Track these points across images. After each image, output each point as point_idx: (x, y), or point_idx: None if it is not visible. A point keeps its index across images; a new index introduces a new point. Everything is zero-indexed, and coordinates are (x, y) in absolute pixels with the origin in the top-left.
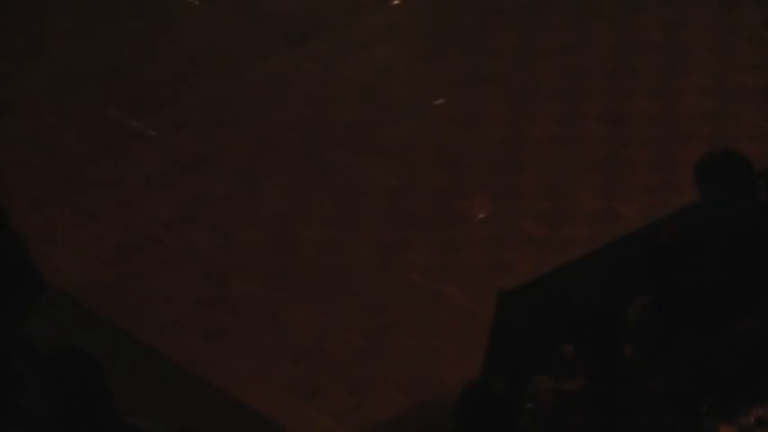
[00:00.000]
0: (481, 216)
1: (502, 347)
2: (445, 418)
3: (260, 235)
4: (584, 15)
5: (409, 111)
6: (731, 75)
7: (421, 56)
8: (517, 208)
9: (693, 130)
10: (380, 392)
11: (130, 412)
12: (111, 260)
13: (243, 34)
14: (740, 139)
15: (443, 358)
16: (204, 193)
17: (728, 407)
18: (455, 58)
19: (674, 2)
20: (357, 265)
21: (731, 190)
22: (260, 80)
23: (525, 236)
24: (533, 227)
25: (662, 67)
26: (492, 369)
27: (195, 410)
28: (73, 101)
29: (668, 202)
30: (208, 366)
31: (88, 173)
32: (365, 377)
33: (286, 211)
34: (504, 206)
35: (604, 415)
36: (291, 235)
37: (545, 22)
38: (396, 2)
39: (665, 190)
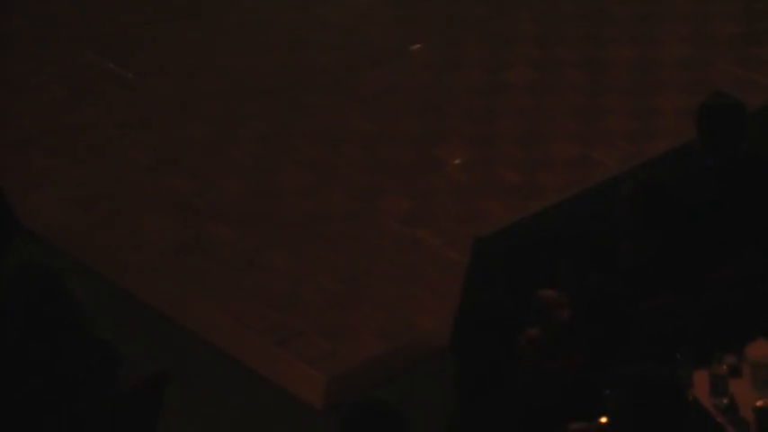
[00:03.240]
0: (457, 162)
1: (477, 293)
2: (421, 363)
3: (237, 180)
4: None
5: (387, 56)
6: (708, 22)
7: (398, 1)
8: (493, 154)
9: (670, 78)
10: (356, 338)
11: None
12: (88, 204)
13: None
14: (717, 86)
15: (419, 304)
16: (182, 137)
17: (702, 355)
18: (433, 4)
19: None
20: (334, 211)
21: (727, 135)
22: (238, 25)
23: (501, 182)
24: (509, 173)
25: (639, 14)
26: (467, 313)
27: (169, 354)
28: (50, 44)
29: (644, 149)
30: (183, 310)
31: (65, 116)
32: (341, 323)
33: (263, 157)
34: (481, 153)
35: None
36: (269, 180)
37: None
38: None
39: (642, 137)
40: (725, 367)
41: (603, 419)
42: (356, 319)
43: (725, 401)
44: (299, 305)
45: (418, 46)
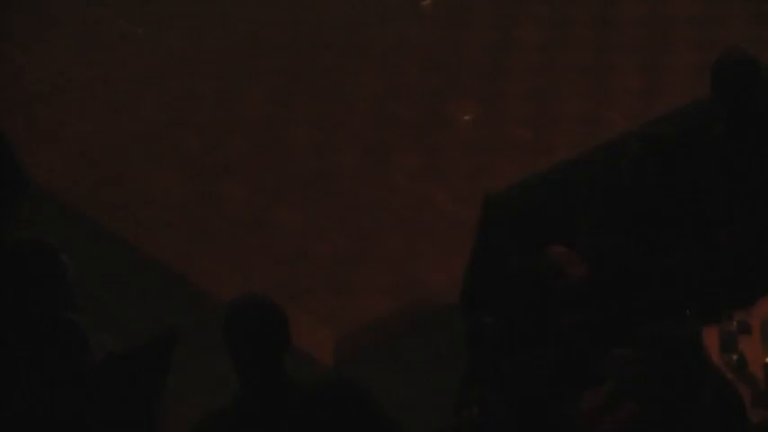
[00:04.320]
0: (467, 119)
1: (487, 250)
2: (429, 320)
3: (246, 137)
4: None
5: (396, 12)
6: None
7: None
8: (503, 111)
9: (681, 35)
10: (365, 294)
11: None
12: (97, 160)
13: None
14: (729, 43)
15: (429, 261)
16: (191, 94)
17: (712, 312)
18: None
19: None
20: (343, 168)
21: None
22: None
23: (511, 140)
24: (519, 131)
25: None
26: (477, 271)
27: (178, 310)
28: (58, 0)
29: (654, 106)
30: (192, 266)
31: (74, 72)
32: (350, 279)
33: (272, 114)
34: (491, 110)
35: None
36: (278, 137)
37: None
38: None
39: (652, 94)
40: (734, 323)
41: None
42: (365, 275)
43: (735, 358)
44: (307, 262)
45: (428, 2)
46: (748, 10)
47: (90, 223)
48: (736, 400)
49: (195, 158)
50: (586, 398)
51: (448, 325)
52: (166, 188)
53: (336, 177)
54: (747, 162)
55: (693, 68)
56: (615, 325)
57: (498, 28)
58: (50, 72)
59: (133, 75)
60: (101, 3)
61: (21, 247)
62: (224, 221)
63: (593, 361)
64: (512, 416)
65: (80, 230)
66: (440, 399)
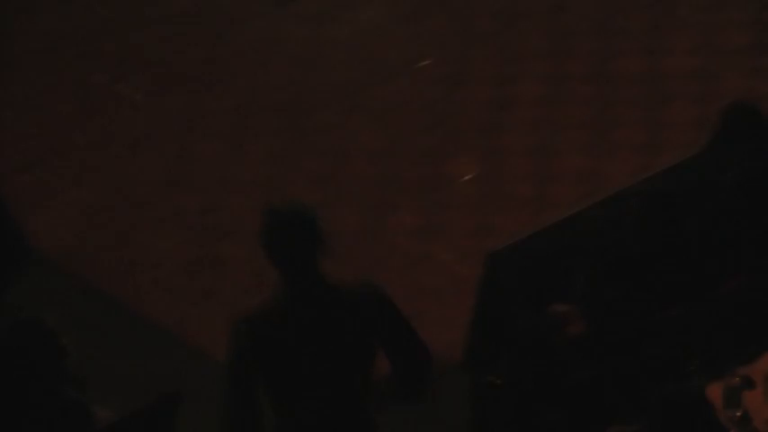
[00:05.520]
0: (468, 177)
1: (490, 308)
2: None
3: (247, 197)
4: None
5: (395, 72)
6: (717, 33)
7: (407, 17)
8: (504, 168)
9: (680, 90)
10: None
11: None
12: (97, 224)
13: None
14: (727, 97)
15: (431, 320)
16: (190, 155)
17: (715, 366)
18: (441, 19)
19: None
20: (344, 228)
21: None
22: (246, 42)
23: (512, 196)
24: (520, 187)
25: (648, 25)
26: (480, 330)
27: (183, 375)
28: (58, 63)
29: (654, 161)
30: (192, 329)
31: (73, 136)
32: None
33: (272, 174)
34: (491, 167)
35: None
36: (278, 197)
37: None
38: None
39: (652, 149)
40: (737, 379)
41: None
42: None
43: (738, 414)
44: None
45: (427, 62)
46: (746, 64)
47: (89, 288)
48: None
49: (195, 220)
50: None
51: (451, 384)
52: (166, 251)
53: (338, 237)
54: (754, 214)
55: (693, 123)
56: (620, 380)
57: (497, 85)
58: (49, 136)
59: (132, 137)
60: (98, 67)
61: (20, 332)
62: (224, 283)
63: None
64: None
65: (79, 295)
66: None
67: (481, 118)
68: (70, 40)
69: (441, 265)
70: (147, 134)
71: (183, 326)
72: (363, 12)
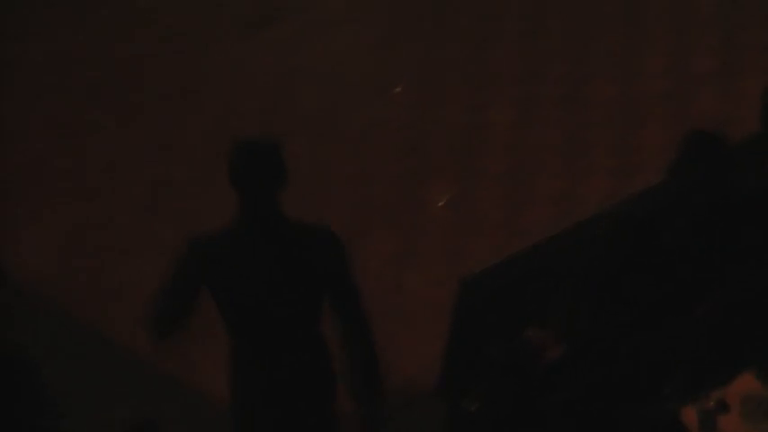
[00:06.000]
0: (441, 202)
1: (464, 334)
2: (406, 406)
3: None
4: (540, 0)
5: (368, 97)
6: (688, 57)
7: (378, 43)
8: (477, 193)
9: (652, 113)
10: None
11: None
12: (72, 252)
13: (201, 22)
14: (699, 121)
15: (404, 346)
16: (166, 182)
17: (689, 390)
18: (413, 45)
19: None
20: None
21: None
22: (218, 68)
23: (485, 221)
24: (493, 212)
25: (619, 49)
26: (454, 356)
27: (158, 402)
28: (31, 89)
29: (627, 184)
30: (167, 359)
31: (47, 163)
32: None
33: None
34: (465, 191)
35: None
36: None
37: (501, 6)
38: None
39: (625, 173)
40: (712, 403)
41: None
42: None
43: None
44: None
45: (399, 87)
46: (717, 87)
47: (65, 315)
48: None
49: (171, 246)
50: None
51: (425, 410)
52: (141, 277)
53: None
54: (721, 236)
55: (665, 146)
56: (594, 404)
57: (470, 110)
58: (22, 163)
59: (107, 164)
60: (72, 93)
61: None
62: (199, 311)
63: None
64: None
65: (54, 322)
66: None
67: (454, 143)
68: (42, 67)
69: (414, 290)
70: (121, 160)
71: (158, 353)
72: (335, 38)
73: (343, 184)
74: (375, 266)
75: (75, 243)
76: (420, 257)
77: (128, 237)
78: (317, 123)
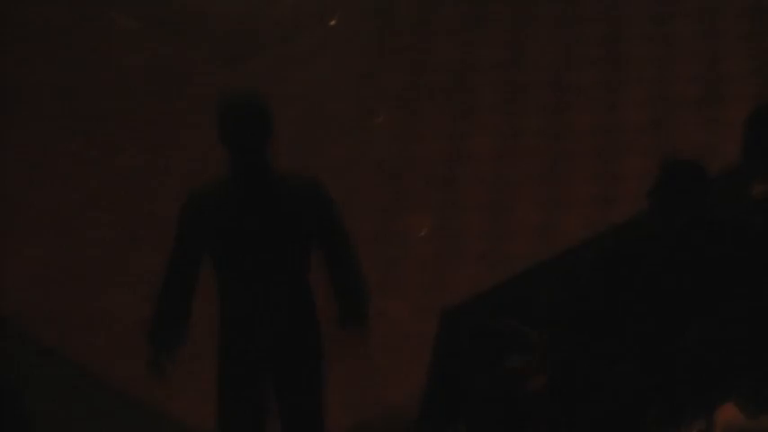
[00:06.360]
0: (422, 233)
1: (446, 365)
2: None
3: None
4: (520, 29)
5: (349, 128)
6: (670, 87)
7: (359, 74)
8: (458, 224)
9: (633, 143)
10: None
11: None
12: (53, 284)
13: (179, 54)
14: (680, 150)
15: (386, 377)
16: (145, 213)
17: (672, 419)
18: (393, 76)
19: (609, 16)
20: None
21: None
22: (198, 99)
23: (467, 252)
24: (475, 242)
25: (600, 80)
26: (436, 387)
27: None
28: (10, 121)
29: (609, 214)
30: (148, 391)
31: (27, 195)
32: None
33: None
34: (446, 222)
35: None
36: None
37: (482, 37)
38: (332, 21)
39: (606, 202)
40: None
41: None
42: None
43: None
44: None
45: (381, 118)
46: (699, 116)
47: (46, 348)
48: None
49: (152, 278)
50: None
51: None
52: (123, 310)
53: None
54: (702, 266)
55: (647, 175)
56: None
57: (450, 140)
58: (4, 196)
59: (88, 196)
60: (52, 125)
61: None
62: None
63: None
64: None
65: (36, 355)
66: None
67: (435, 173)
68: (21, 98)
69: (395, 321)
70: (102, 192)
71: (141, 385)
72: (315, 68)
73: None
74: None
75: (56, 275)
76: (401, 287)
77: (109, 269)
78: (297, 154)
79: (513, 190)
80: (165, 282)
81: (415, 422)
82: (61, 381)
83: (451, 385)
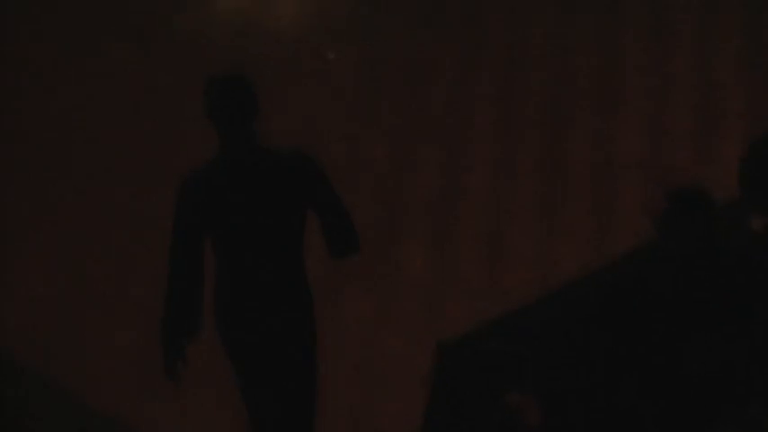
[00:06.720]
0: (419, 264)
1: (443, 399)
2: None
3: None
4: (514, 63)
5: (344, 162)
6: (666, 119)
7: (353, 107)
8: (454, 257)
9: (629, 175)
10: None
11: None
12: (50, 317)
13: (177, 76)
14: (675, 182)
15: (383, 409)
16: (141, 247)
17: None
18: (388, 109)
19: (604, 48)
20: None
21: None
22: (192, 136)
23: (463, 284)
24: (471, 274)
25: (596, 112)
26: (434, 421)
27: None
28: (12, 165)
29: (605, 247)
30: (144, 420)
31: (25, 231)
32: None
33: None
34: (442, 255)
35: None
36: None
37: (476, 71)
38: (330, 56)
39: (602, 235)
40: None
41: None
42: (320, 425)
43: None
44: None
45: (376, 152)
46: (694, 149)
47: (42, 378)
48: None
49: (148, 310)
50: None
51: None
52: (119, 341)
53: None
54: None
55: (642, 208)
56: None
57: (446, 172)
58: (6, 234)
59: (82, 231)
60: (46, 163)
61: None
62: (183, 373)
63: None
64: None
65: (32, 385)
66: None
67: (432, 205)
68: (20, 138)
69: (391, 353)
70: (97, 227)
71: (137, 416)
72: (308, 100)
73: (319, 246)
74: (352, 328)
75: (53, 309)
76: (397, 320)
77: (105, 301)
78: None
79: (509, 222)
80: (171, 270)
81: None
82: (55, 410)
83: (449, 420)
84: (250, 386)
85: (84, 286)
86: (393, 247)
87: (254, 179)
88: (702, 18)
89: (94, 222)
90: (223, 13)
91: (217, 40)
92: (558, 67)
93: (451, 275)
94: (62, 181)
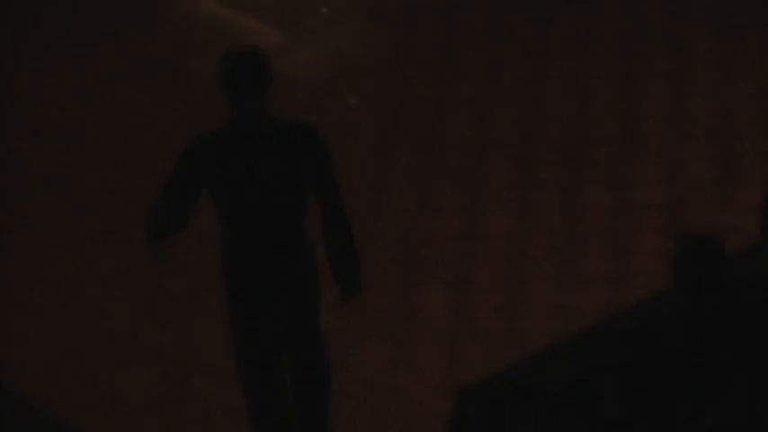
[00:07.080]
0: (438, 309)
1: None
2: None
3: (215, 331)
4: (534, 106)
5: (364, 205)
6: (685, 165)
7: (374, 150)
8: (473, 301)
9: (648, 221)
10: None
11: None
12: (68, 361)
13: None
14: (695, 228)
15: None
16: (160, 290)
17: None
18: (408, 152)
19: (625, 93)
20: None
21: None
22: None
23: (482, 329)
24: (490, 320)
25: (615, 157)
26: None
27: None
28: (24, 198)
29: (624, 292)
30: None
31: (43, 272)
32: None
33: None
34: (460, 300)
35: None
36: None
37: (496, 114)
38: (353, 101)
39: (621, 281)
40: None
41: None
42: None
43: None
44: None
45: (395, 196)
46: (714, 195)
47: (58, 424)
48: None
49: (166, 355)
50: None
51: None
52: (138, 386)
53: None
54: (714, 347)
55: (661, 253)
56: None
57: (466, 217)
58: (18, 273)
59: (102, 274)
60: (65, 200)
61: None
62: (197, 417)
63: None
64: None
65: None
66: None
67: (451, 250)
68: (33, 178)
69: (410, 399)
70: (117, 269)
71: None
72: (333, 147)
73: (337, 292)
74: (371, 374)
75: (70, 352)
76: (416, 366)
77: (125, 346)
78: (312, 229)
79: (529, 267)
80: (163, 191)
81: None
82: None
83: None
84: (252, 358)
85: (101, 330)
86: (411, 292)
87: (258, 145)
88: (721, 62)
89: (117, 266)
90: None
91: None
92: (577, 111)
93: (469, 321)
94: (82, 227)
